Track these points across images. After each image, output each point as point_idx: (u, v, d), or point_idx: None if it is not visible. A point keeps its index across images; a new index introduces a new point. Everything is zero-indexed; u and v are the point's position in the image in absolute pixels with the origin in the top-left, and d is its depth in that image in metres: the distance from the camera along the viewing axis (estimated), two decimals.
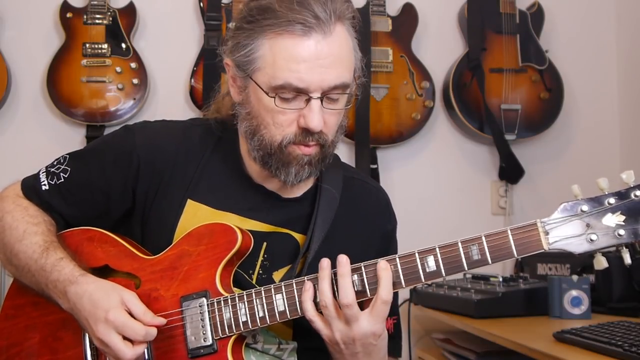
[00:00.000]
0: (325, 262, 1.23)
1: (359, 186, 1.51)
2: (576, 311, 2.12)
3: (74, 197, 1.43)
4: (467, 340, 2.32)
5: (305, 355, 1.40)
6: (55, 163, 1.47)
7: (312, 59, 1.24)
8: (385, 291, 1.20)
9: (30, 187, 1.46)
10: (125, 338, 1.24)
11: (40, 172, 1.47)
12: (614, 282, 2.19)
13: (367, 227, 1.47)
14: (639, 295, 2.17)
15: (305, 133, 1.28)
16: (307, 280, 1.25)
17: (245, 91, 1.33)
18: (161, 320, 1.28)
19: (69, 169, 1.44)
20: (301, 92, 1.26)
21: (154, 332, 1.26)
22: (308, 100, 1.26)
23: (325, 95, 1.27)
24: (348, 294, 1.19)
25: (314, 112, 1.25)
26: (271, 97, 1.27)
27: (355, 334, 1.20)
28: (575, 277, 2.15)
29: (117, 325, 1.23)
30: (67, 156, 1.47)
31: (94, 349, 1.34)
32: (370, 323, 1.20)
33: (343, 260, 1.22)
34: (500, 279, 2.34)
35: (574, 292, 2.12)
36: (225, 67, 1.38)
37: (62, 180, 1.43)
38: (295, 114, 1.27)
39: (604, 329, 1.74)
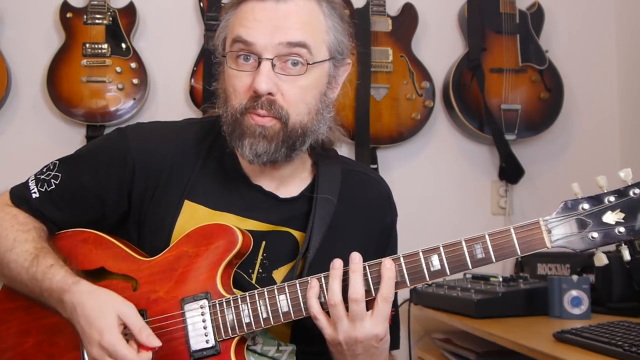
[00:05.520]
0: (337, 263, 1.23)
1: (359, 179, 1.50)
2: (576, 311, 2.12)
3: (67, 204, 1.40)
4: (467, 340, 2.32)
5: (303, 359, 1.39)
6: (44, 170, 1.43)
7: (265, 20, 1.27)
8: (386, 289, 1.20)
9: (19, 196, 1.42)
10: None
11: (29, 180, 1.43)
12: (614, 282, 2.20)
13: (367, 220, 1.46)
14: (639, 295, 2.17)
15: (255, 98, 1.27)
16: (313, 278, 1.24)
17: (223, 70, 1.35)
18: (156, 343, 1.24)
19: (60, 174, 1.40)
20: (252, 51, 1.27)
21: (147, 357, 1.23)
22: (260, 64, 1.27)
23: (279, 60, 1.27)
24: (358, 290, 1.20)
25: (261, 72, 1.26)
26: (223, 56, 1.31)
27: (359, 335, 1.21)
28: (575, 277, 2.15)
29: (110, 352, 1.21)
30: (57, 162, 1.43)
31: None
32: (372, 324, 1.21)
33: (356, 258, 1.22)
34: (500, 279, 2.34)
35: (574, 292, 2.12)
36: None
37: (53, 186, 1.40)
38: (249, 79, 1.28)
39: (604, 329, 1.74)
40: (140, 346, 1.23)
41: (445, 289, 2.41)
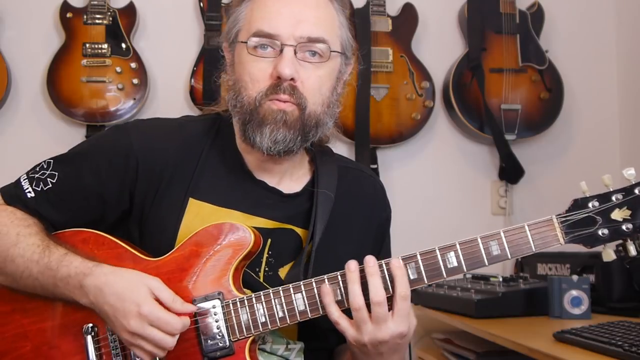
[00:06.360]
0: (353, 265, 1.22)
1: (354, 175, 1.51)
2: (576, 311, 2.12)
3: (65, 203, 1.36)
4: (467, 340, 2.32)
5: (310, 356, 1.39)
6: (38, 169, 1.38)
7: (286, 12, 1.30)
8: (402, 288, 1.21)
9: (12, 196, 1.37)
10: None
11: (21, 179, 1.38)
12: (614, 282, 2.19)
13: (364, 216, 1.47)
14: (639, 295, 2.17)
15: (277, 84, 1.29)
16: (326, 284, 1.24)
17: (232, 62, 1.36)
18: (192, 308, 1.25)
19: (56, 173, 1.36)
20: (273, 38, 1.29)
21: (188, 321, 1.24)
22: (282, 51, 1.29)
23: (300, 48, 1.29)
24: (379, 292, 1.20)
25: (285, 58, 1.28)
26: (243, 42, 1.31)
27: (384, 336, 1.20)
28: (575, 277, 2.15)
29: (151, 319, 1.20)
30: (51, 161, 1.39)
31: (99, 356, 1.29)
32: (395, 324, 1.21)
33: (371, 261, 1.22)
34: (500, 279, 2.34)
35: (574, 292, 2.12)
36: (225, 57, 1.40)
37: (50, 185, 1.36)
38: (269, 65, 1.30)
39: (604, 329, 1.74)
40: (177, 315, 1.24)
41: (445, 289, 2.41)
